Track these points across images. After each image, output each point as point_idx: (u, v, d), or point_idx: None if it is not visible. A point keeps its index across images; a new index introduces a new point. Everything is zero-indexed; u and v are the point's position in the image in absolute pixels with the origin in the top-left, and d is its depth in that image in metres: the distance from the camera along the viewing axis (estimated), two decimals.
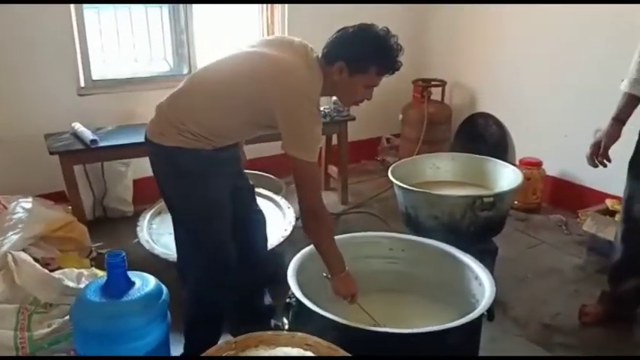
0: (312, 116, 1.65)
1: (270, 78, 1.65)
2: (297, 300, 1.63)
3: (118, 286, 1.62)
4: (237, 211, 1.91)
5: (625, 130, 2.04)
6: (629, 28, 2.90)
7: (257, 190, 2.67)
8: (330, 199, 3.58)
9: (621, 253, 2.20)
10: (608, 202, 2.98)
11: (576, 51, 3.25)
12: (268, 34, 3.67)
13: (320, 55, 1.75)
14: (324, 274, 1.80)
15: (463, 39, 3.98)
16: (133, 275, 1.67)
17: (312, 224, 1.74)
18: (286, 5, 3.67)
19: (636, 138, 2.09)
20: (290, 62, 1.67)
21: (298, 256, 1.89)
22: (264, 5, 3.69)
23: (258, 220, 2.11)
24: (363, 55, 1.69)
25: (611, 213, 2.89)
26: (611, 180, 3.04)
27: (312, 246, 1.84)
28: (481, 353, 1.82)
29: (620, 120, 2.01)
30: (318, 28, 2.21)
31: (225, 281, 1.86)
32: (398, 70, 1.75)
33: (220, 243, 1.84)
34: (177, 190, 1.81)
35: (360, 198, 3.59)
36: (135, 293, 1.61)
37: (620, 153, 2.09)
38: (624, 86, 1.97)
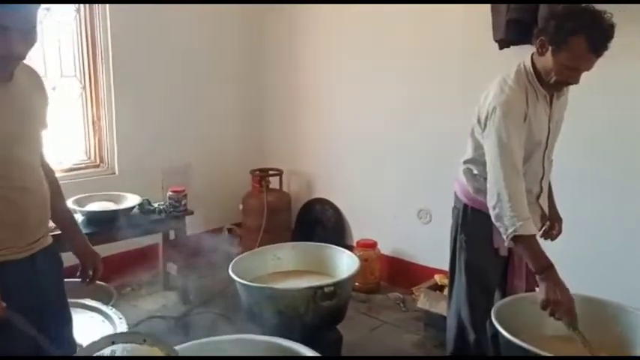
0: None
1: None
2: None
3: None
4: None
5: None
6: (449, 116, 3.30)
7: (81, 301, 2.42)
8: (171, 300, 3.36)
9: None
10: (437, 277, 3.21)
11: (401, 139, 3.56)
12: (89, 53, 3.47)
13: None
14: None
15: (297, 129, 4.17)
16: None
17: None
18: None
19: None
20: None
21: None
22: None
23: None
24: None
25: (440, 288, 3.11)
26: (437, 256, 3.32)
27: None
28: None
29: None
30: None
31: None
32: None
33: None
34: None
35: (203, 296, 3.41)
36: None
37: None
38: (527, 230, 1.73)
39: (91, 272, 1.71)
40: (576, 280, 2.08)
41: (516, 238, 1.72)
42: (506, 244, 1.79)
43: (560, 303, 1.67)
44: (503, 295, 2.01)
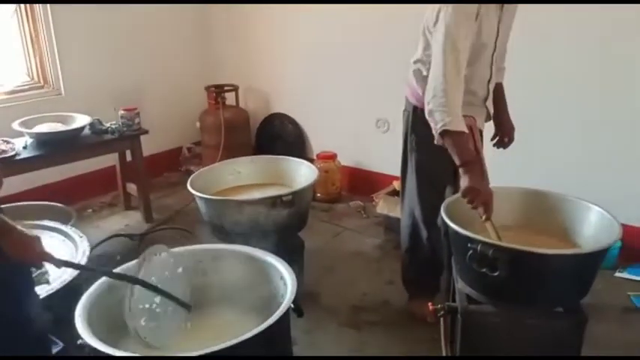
0: None
1: None
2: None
3: None
4: None
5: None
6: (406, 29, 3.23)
7: (40, 222, 2.40)
8: (134, 219, 3.37)
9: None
10: (395, 184, 3.29)
11: (355, 50, 3.50)
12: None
13: None
14: None
15: (251, 44, 4.04)
16: None
17: None
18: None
19: None
20: None
21: (91, 290, 1.70)
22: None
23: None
24: None
25: (399, 193, 3.18)
26: (396, 163, 3.38)
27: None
28: (297, 346, 1.85)
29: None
30: None
31: None
32: None
33: None
34: None
35: (165, 213, 3.43)
36: None
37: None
38: (455, 126, 1.74)
39: None
40: (523, 176, 2.16)
41: (445, 133, 1.73)
42: (435, 140, 1.79)
43: (479, 193, 1.70)
44: (455, 192, 2.08)
